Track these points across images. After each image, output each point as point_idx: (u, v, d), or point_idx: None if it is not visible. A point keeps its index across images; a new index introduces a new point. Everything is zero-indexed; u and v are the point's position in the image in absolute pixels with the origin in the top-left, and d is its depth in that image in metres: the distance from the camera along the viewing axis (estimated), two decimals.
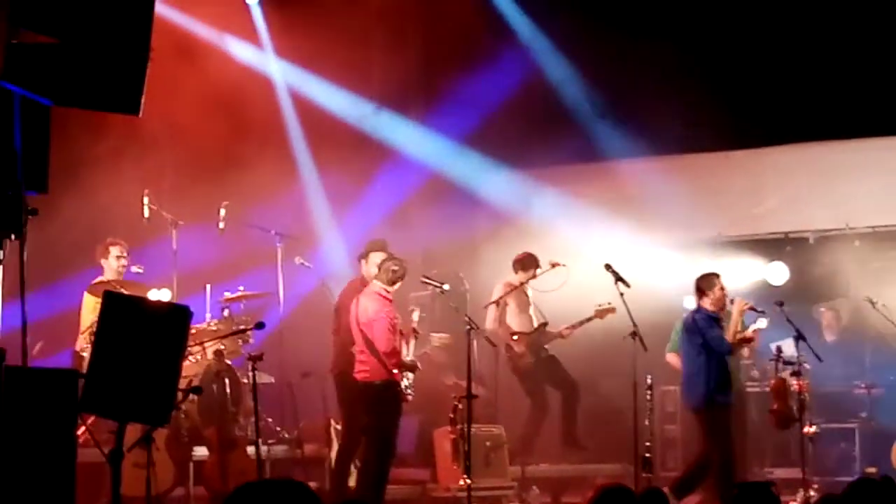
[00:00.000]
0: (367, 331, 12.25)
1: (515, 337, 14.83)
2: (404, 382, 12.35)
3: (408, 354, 12.50)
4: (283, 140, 16.52)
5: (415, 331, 12.71)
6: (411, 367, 12.44)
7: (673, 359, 14.50)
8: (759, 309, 13.38)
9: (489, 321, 14.86)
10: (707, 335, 12.93)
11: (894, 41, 16.15)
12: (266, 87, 16.48)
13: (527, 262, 14.94)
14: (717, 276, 13.22)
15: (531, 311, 15.07)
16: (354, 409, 12.64)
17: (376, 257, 12.74)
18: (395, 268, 12.37)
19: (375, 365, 12.21)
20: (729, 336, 13.01)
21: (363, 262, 13.07)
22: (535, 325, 15.00)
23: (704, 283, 13.15)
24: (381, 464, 12.26)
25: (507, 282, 15.01)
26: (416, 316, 12.84)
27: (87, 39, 8.07)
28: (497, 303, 14.78)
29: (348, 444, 12.92)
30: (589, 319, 14.82)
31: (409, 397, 12.44)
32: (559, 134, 16.76)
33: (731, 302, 13.20)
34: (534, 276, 14.88)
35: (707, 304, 13.08)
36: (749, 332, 13.36)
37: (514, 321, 15.02)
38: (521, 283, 14.88)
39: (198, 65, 14.99)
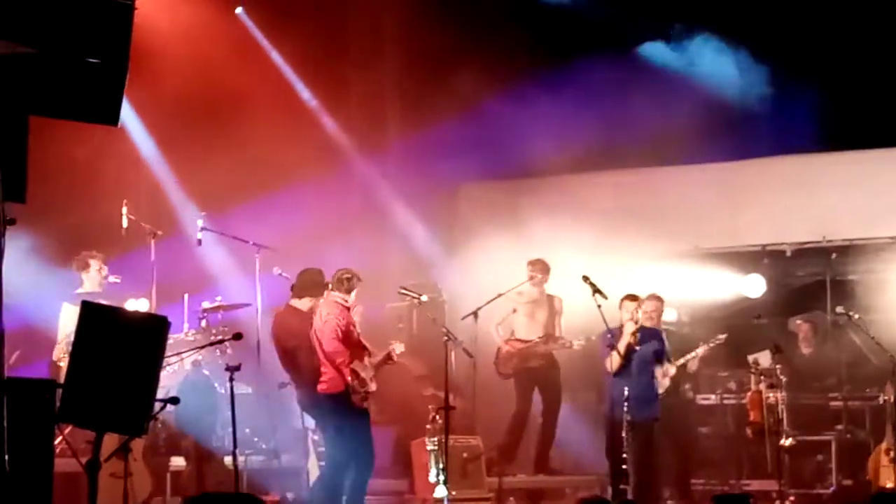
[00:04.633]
0: (321, 336, 12.13)
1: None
2: (372, 386, 12.18)
3: (365, 370, 12.12)
4: (265, 149, 16.49)
5: (390, 358, 12.51)
6: (362, 382, 12.03)
7: None
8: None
9: (502, 330, 15.02)
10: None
11: (872, 55, 16.23)
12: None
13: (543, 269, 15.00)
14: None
15: (542, 318, 15.07)
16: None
17: (311, 302, 12.58)
18: (348, 276, 12.30)
19: (333, 375, 12.03)
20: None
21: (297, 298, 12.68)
22: (538, 335, 15.01)
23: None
24: (360, 477, 12.12)
25: (518, 291, 15.00)
26: (398, 349, 12.72)
27: (65, 50, 8.06)
28: (475, 314, 14.71)
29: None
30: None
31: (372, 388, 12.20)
32: (539, 147, 16.82)
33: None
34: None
35: None
36: None
37: (521, 330, 15.08)
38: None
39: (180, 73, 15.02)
